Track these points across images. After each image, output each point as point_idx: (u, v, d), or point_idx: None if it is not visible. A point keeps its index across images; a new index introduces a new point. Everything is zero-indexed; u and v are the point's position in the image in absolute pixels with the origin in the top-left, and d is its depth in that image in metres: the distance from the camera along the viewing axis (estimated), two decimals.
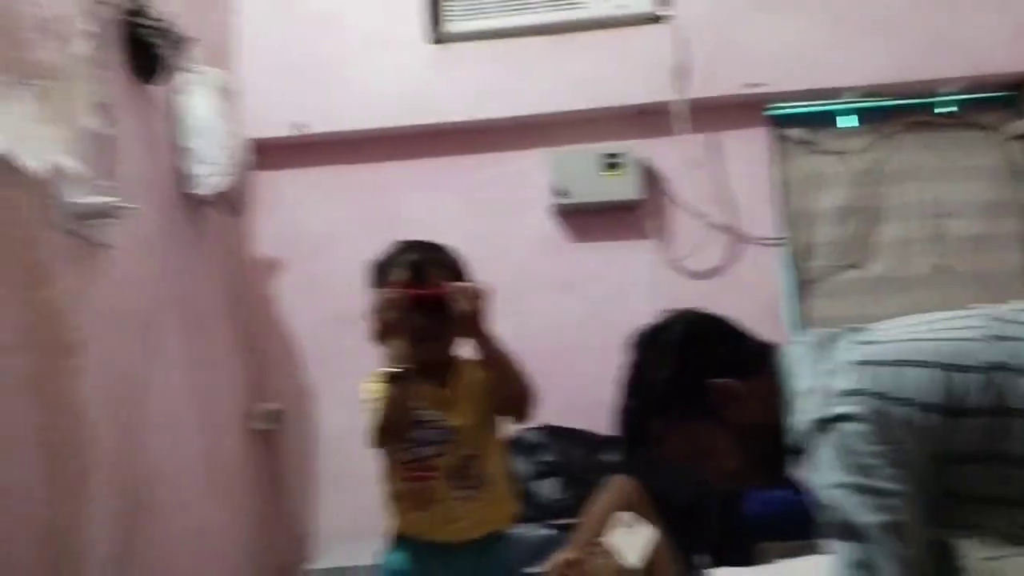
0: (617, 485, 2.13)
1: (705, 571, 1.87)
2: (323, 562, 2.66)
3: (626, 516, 1.81)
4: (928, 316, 1.22)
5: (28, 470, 1.49)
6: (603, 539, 1.74)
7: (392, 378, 1.65)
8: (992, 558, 1.64)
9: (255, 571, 2.62)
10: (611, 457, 2.51)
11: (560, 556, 1.79)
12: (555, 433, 2.55)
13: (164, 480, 2.07)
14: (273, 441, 2.85)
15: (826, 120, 2.96)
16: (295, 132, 2.91)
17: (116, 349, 1.87)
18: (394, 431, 1.66)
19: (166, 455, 2.09)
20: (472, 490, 1.71)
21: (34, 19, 1.65)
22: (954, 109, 2.94)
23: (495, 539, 1.76)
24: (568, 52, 2.89)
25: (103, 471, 1.75)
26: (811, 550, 2.33)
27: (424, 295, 1.68)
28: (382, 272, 1.76)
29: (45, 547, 1.52)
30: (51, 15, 1.71)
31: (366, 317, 1.72)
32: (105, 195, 1.83)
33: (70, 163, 1.61)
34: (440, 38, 2.96)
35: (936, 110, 2.94)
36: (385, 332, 1.68)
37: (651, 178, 2.90)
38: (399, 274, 1.72)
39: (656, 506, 2.11)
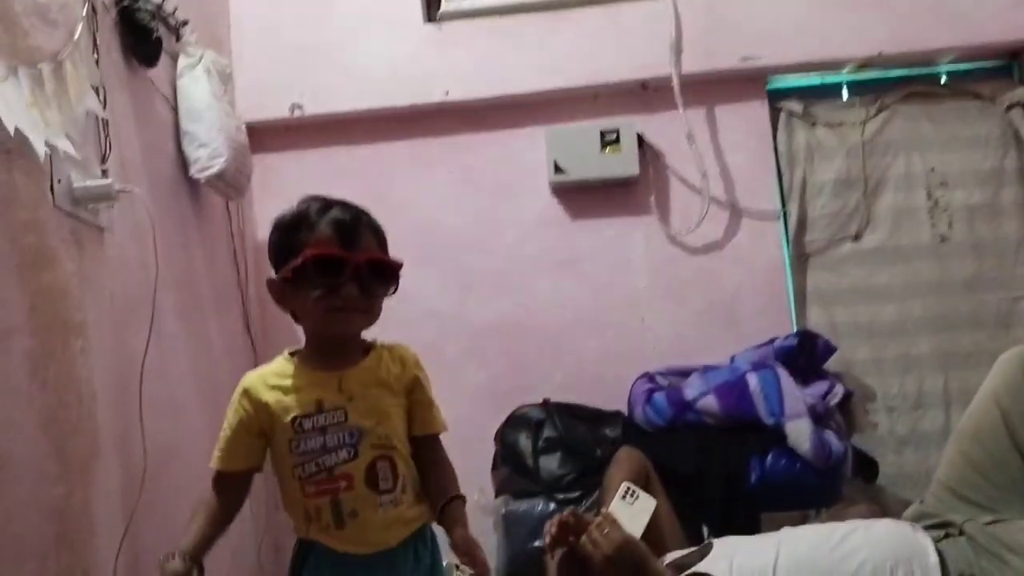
0: (625, 456, 2.15)
1: (709, 539, 1.88)
2: None
3: (626, 486, 1.82)
4: None
5: (34, 450, 1.51)
6: (604, 510, 1.75)
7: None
8: (991, 523, 1.65)
9: (258, 549, 2.65)
10: (613, 432, 2.52)
11: (561, 515, 1.79)
12: (557, 409, 2.57)
13: (169, 460, 2.09)
14: None
15: (824, 92, 2.96)
16: (294, 114, 2.91)
17: (118, 331, 1.88)
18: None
19: (169, 436, 2.11)
20: (391, 494, 1.45)
21: (31, 4, 1.65)
22: (952, 79, 2.93)
23: (420, 536, 1.52)
24: (564, 28, 2.89)
25: (108, 452, 1.76)
26: (814, 519, 2.37)
27: (363, 260, 1.45)
28: (296, 232, 1.47)
29: (54, 526, 1.54)
30: (47, 0, 1.71)
31: (274, 288, 1.52)
32: (104, 178, 1.84)
33: (69, 147, 1.61)
34: (436, 17, 2.95)
35: (934, 80, 2.93)
36: (302, 304, 1.48)
37: (650, 154, 2.90)
38: (325, 235, 1.45)
39: (660, 476, 2.13)
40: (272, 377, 1.50)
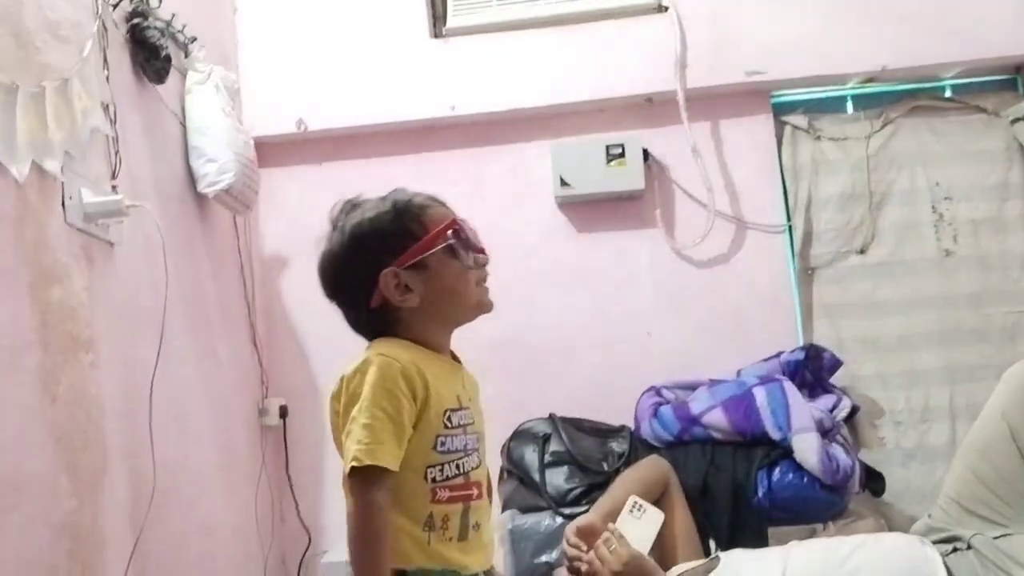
0: (646, 463, 2.15)
1: (716, 553, 1.88)
2: (332, 555, 2.69)
3: (633, 500, 1.82)
4: None
5: (45, 465, 1.52)
6: (611, 525, 1.75)
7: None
8: (999, 537, 1.65)
9: (265, 563, 2.65)
10: (619, 446, 2.52)
11: (576, 521, 1.80)
12: (563, 423, 2.56)
13: (178, 474, 2.09)
14: (282, 436, 2.87)
15: (829, 106, 2.96)
16: (300, 129, 2.93)
17: (127, 346, 1.89)
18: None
19: (177, 450, 2.12)
20: (491, 510, 1.38)
21: (42, 21, 1.67)
22: (957, 93, 2.94)
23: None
24: (570, 44, 2.90)
25: (117, 466, 1.77)
26: (822, 533, 2.36)
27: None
28: (406, 216, 1.36)
29: (64, 540, 1.54)
30: (59, 17, 1.73)
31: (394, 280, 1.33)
32: (114, 194, 1.86)
33: (78, 163, 1.62)
34: (442, 32, 2.97)
35: (939, 94, 2.94)
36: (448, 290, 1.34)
37: (655, 168, 2.90)
38: (444, 209, 1.38)
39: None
40: (415, 357, 1.29)
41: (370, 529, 1.21)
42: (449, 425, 1.29)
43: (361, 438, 1.21)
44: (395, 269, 1.32)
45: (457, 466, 1.29)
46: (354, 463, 1.21)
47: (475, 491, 1.31)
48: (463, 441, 1.31)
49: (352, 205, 1.41)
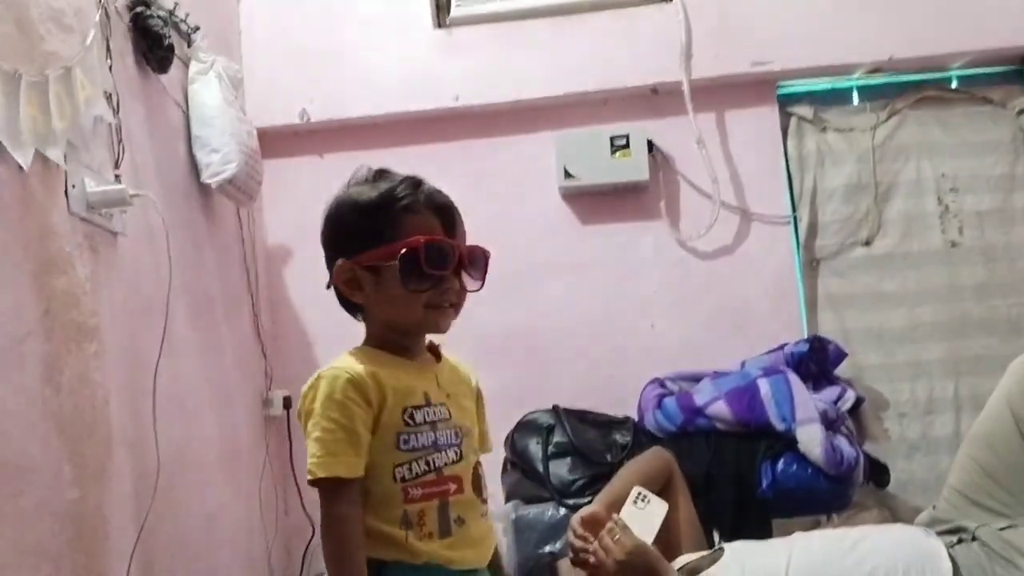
0: (650, 454, 2.15)
1: (720, 545, 1.88)
2: None
3: (637, 491, 1.82)
4: None
5: (49, 454, 1.51)
6: (616, 515, 1.75)
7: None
8: (1004, 528, 1.65)
9: (269, 553, 2.65)
10: (623, 437, 2.52)
11: (582, 511, 1.80)
12: (567, 414, 2.56)
13: (182, 463, 2.09)
14: (285, 427, 2.87)
15: (835, 97, 2.95)
16: (304, 119, 2.92)
17: (131, 335, 1.89)
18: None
19: (181, 440, 2.12)
20: (486, 505, 1.37)
21: (46, 9, 1.66)
22: (963, 84, 2.92)
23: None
24: (574, 34, 2.89)
25: (121, 455, 1.77)
26: (825, 524, 2.36)
27: (466, 251, 1.34)
28: (385, 212, 1.31)
29: (68, 529, 1.54)
30: (62, 5, 1.72)
31: (345, 275, 1.32)
32: (117, 183, 1.85)
33: (81, 152, 1.62)
34: (445, 22, 2.96)
35: (945, 85, 2.93)
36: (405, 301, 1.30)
37: (659, 159, 2.90)
38: (427, 219, 1.31)
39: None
40: (367, 363, 1.28)
41: (339, 540, 1.22)
42: (411, 423, 1.28)
43: (315, 452, 1.22)
44: (350, 263, 1.32)
45: (427, 463, 1.27)
46: (309, 477, 1.22)
47: (452, 486, 1.29)
48: (430, 437, 1.29)
49: (367, 176, 1.39)
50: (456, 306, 1.34)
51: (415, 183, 1.35)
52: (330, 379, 1.25)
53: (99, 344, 1.71)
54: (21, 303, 1.49)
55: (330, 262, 1.36)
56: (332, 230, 1.36)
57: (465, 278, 1.34)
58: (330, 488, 1.22)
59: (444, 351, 1.45)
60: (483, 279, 1.38)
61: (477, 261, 1.36)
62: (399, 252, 1.27)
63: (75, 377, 1.61)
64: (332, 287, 1.36)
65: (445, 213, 1.34)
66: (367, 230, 1.31)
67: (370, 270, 1.30)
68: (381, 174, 1.38)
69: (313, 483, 1.23)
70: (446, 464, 1.29)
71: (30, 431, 1.47)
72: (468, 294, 1.37)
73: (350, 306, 1.38)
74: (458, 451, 1.32)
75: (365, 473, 1.24)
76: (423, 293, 1.29)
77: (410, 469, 1.26)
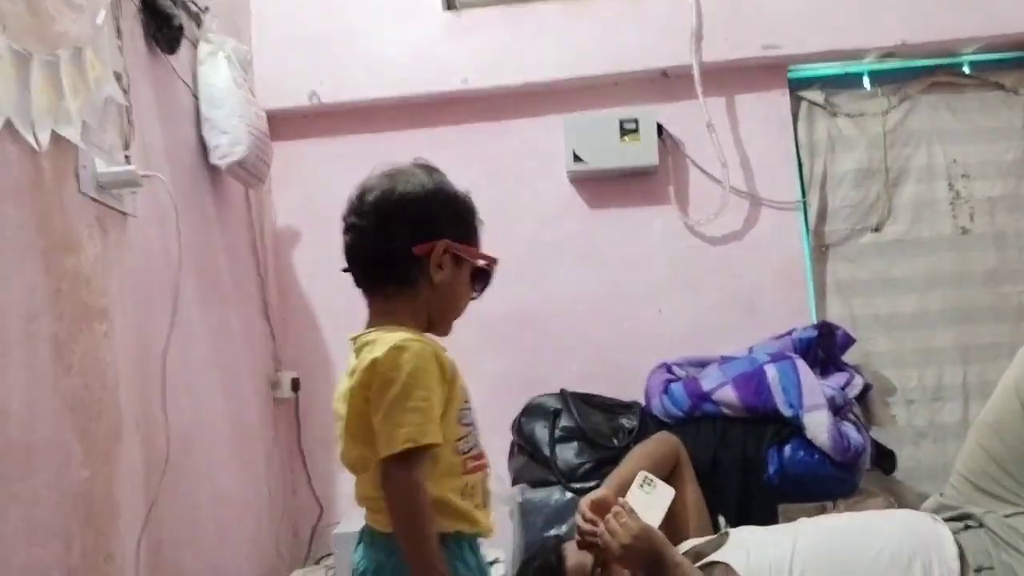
0: (657, 438, 2.15)
1: (726, 529, 1.88)
2: (344, 526, 2.70)
3: (643, 475, 1.82)
4: None
5: (59, 433, 1.52)
6: (622, 499, 1.75)
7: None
8: (1011, 515, 1.65)
9: (277, 534, 2.67)
10: (629, 422, 2.52)
11: (590, 495, 1.81)
12: (573, 398, 2.57)
13: (191, 444, 2.11)
14: (294, 409, 2.89)
15: (846, 82, 2.93)
16: (312, 102, 2.92)
17: (140, 316, 1.89)
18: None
19: (190, 421, 2.13)
20: None
21: None
22: (975, 69, 2.90)
23: None
24: (584, 16, 2.87)
25: (131, 435, 1.78)
26: (831, 510, 2.37)
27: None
28: (471, 218, 1.49)
29: (78, 508, 1.55)
30: None
31: (443, 255, 1.41)
32: (128, 164, 1.86)
33: (75, 135, 1.62)
34: (454, 4, 2.95)
35: (957, 71, 2.91)
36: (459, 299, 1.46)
37: (669, 143, 2.89)
38: (481, 235, 1.50)
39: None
40: (432, 340, 1.40)
41: (419, 505, 1.26)
42: (466, 398, 1.40)
43: (414, 420, 1.26)
44: (449, 243, 1.41)
45: (474, 438, 1.39)
46: (410, 444, 1.25)
47: (486, 459, 1.42)
48: (472, 416, 1.41)
49: (430, 169, 1.50)
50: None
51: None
52: (418, 351, 1.31)
53: (109, 324, 1.72)
54: (32, 283, 1.50)
55: (413, 233, 1.39)
56: (440, 208, 1.43)
57: None
58: (417, 456, 1.26)
59: None
60: None
61: None
62: (484, 259, 1.46)
63: (85, 357, 1.62)
64: (386, 255, 1.40)
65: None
66: (465, 224, 1.46)
67: (455, 260, 1.42)
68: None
69: (405, 452, 1.25)
70: (478, 442, 1.41)
71: (40, 411, 1.48)
72: None
73: (393, 279, 1.41)
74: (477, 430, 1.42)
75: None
76: (470, 300, 1.47)
77: (466, 442, 1.37)
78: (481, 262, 1.46)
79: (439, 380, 1.31)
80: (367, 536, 1.40)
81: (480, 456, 1.40)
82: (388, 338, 1.32)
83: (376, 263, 1.41)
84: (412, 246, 1.39)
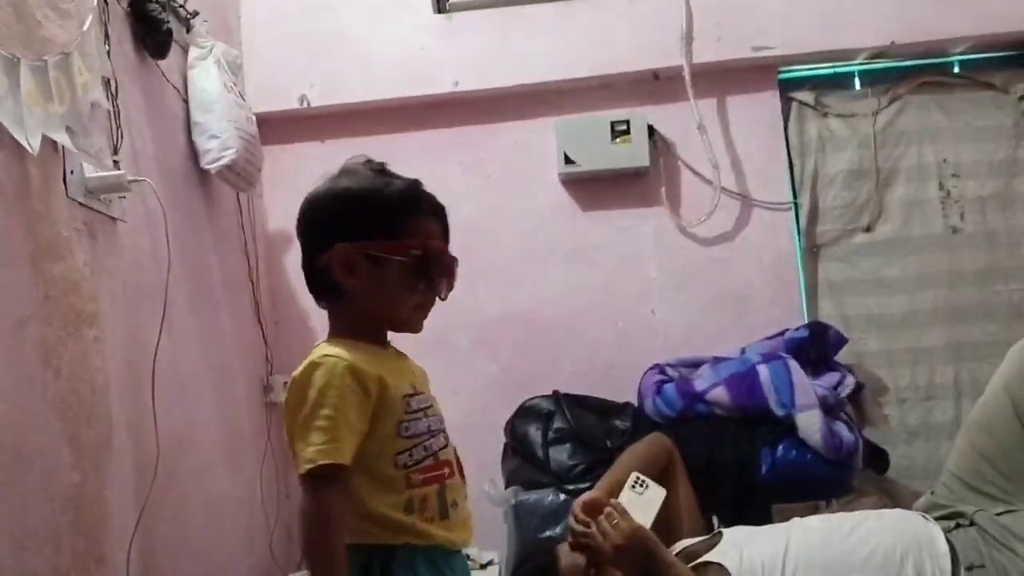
0: (650, 439, 2.15)
1: (719, 529, 1.88)
2: None
3: (635, 476, 1.82)
4: None
5: (48, 438, 1.52)
6: (614, 500, 1.75)
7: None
8: (1002, 513, 1.65)
9: (270, 539, 2.66)
10: (623, 423, 2.52)
11: (583, 497, 1.81)
12: (567, 400, 2.57)
13: (182, 449, 2.10)
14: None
15: (836, 82, 2.94)
16: (303, 105, 2.92)
17: (130, 321, 1.89)
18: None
19: (182, 426, 2.12)
20: (465, 488, 1.40)
21: None
22: (965, 69, 2.91)
23: None
24: (574, 18, 2.88)
25: (121, 440, 1.77)
26: (824, 510, 2.37)
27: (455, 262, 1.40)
28: (398, 208, 1.34)
29: (68, 513, 1.55)
30: None
31: (345, 259, 1.32)
32: (116, 169, 1.85)
33: (66, 140, 1.61)
34: (445, 7, 2.95)
35: (947, 70, 2.92)
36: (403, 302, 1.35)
37: (660, 144, 2.89)
38: (432, 224, 1.37)
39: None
40: (361, 353, 1.30)
41: (319, 529, 1.21)
42: (409, 410, 1.30)
43: (317, 440, 1.21)
44: (349, 247, 1.32)
45: (425, 448, 1.30)
46: (309, 465, 1.20)
47: (447, 470, 1.33)
48: (426, 424, 1.32)
49: (370, 168, 1.41)
50: (429, 306, 1.39)
51: (416, 184, 1.39)
52: (330, 367, 1.25)
53: (98, 329, 1.71)
54: (20, 288, 1.49)
55: (316, 244, 1.36)
56: (333, 213, 1.36)
57: (448, 287, 1.39)
58: (327, 477, 1.21)
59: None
60: (452, 288, 1.42)
61: (455, 271, 1.41)
62: (410, 250, 1.31)
63: (74, 362, 1.61)
64: (309, 269, 1.37)
65: (443, 220, 1.39)
66: (378, 220, 1.33)
67: (371, 259, 1.32)
68: (386, 169, 1.40)
69: (309, 473, 1.21)
70: (440, 449, 1.33)
71: (30, 416, 1.47)
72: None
73: (324, 292, 1.38)
74: (444, 436, 1.36)
75: (367, 461, 1.25)
76: (418, 295, 1.34)
77: (411, 455, 1.28)
78: (408, 256, 1.31)
79: (357, 395, 1.24)
80: None
81: (437, 467, 1.31)
82: (313, 354, 1.29)
83: (307, 279, 1.39)
84: (315, 264, 1.35)
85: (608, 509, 1.72)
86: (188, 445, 2.15)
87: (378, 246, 1.32)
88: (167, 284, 2.01)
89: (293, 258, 2.95)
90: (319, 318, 2.87)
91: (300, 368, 1.28)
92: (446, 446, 1.35)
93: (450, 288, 1.40)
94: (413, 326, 1.38)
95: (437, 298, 1.39)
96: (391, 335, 1.42)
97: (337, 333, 1.37)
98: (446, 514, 1.30)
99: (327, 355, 1.27)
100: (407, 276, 1.32)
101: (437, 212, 1.39)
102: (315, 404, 1.23)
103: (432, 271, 1.34)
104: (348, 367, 1.25)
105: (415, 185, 1.38)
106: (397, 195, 1.35)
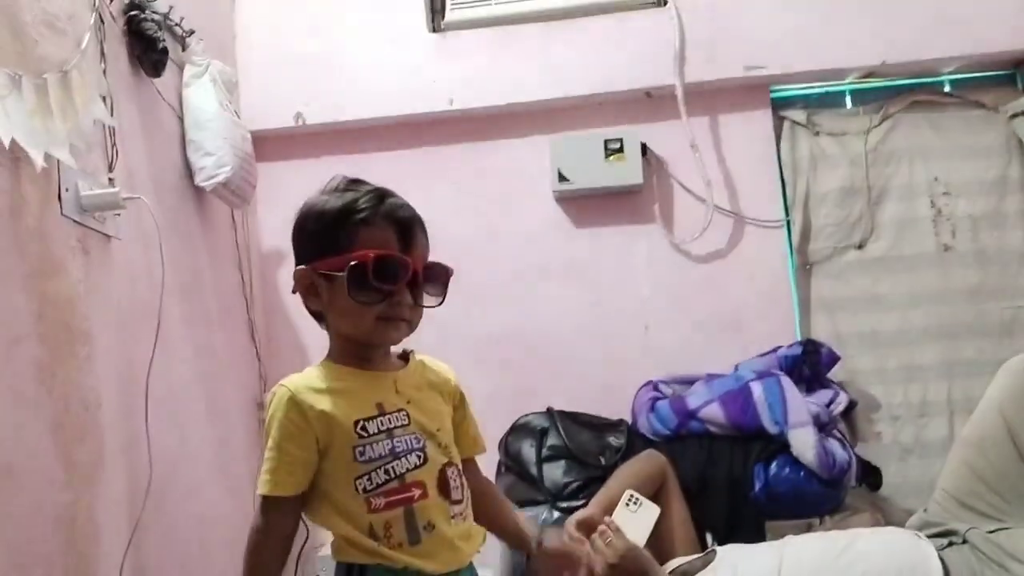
0: (644, 456, 2.15)
1: (713, 547, 1.88)
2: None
3: (629, 494, 1.82)
4: None
5: (41, 457, 1.52)
6: (608, 518, 1.75)
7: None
8: (994, 531, 1.65)
9: None
10: (617, 440, 2.52)
11: (576, 515, 1.81)
12: (560, 417, 2.56)
13: (174, 467, 2.10)
14: None
15: (828, 101, 2.96)
16: (298, 123, 2.93)
17: (123, 339, 1.89)
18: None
19: (174, 444, 2.12)
20: (461, 505, 1.35)
21: (39, 13, 1.67)
22: (955, 88, 2.93)
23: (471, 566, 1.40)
24: (568, 38, 2.90)
25: (114, 459, 1.77)
26: (818, 527, 2.37)
27: (421, 267, 1.33)
28: (343, 222, 1.31)
29: (60, 532, 1.54)
30: (56, 10, 1.73)
31: (305, 281, 1.34)
32: (111, 187, 1.86)
33: (68, 157, 1.62)
34: (440, 26, 2.97)
35: (938, 89, 2.94)
36: (344, 311, 1.31)
37: (654, 162, 2.90)
38: (383, 233, 1.31)
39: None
40: (317, 380, 1.32)
41: (254, 553, 1.29)
42: (365, 434, 1.28)
43: (263, 468, 1.28)
44: (307, 269, 1.34)
45: (387, 471, 1.28)
46: (258, 491, 1.29)
47: (416, 492, 1.29)
48: (387, 446, 1.29)
49: (337, 185, 1.40)
50: (409, 321, 1.34)
51: (379, 195, 1.35)
52: (278, 397, 1.29)
53: (91, 347, 1.71)
54: (14, 306, 1.49)
55: (296, 266, 1.38)
56: (295, 235, 1.39)
57: (421, 294, 1.34)
58: (269, 501, 1.28)
59: (423, 354, 1.45)
60: (443, 295, 1.39)
61: (436, 277, 1.37)
62: (348, 263, 1.28)
63: (67, 380, 1.61)
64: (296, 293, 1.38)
65: (404, 227, 1.33)
66: (325, 238, 1.32)
67: (326, 278, 1.31)
68: (351, 184, 1.39)
69: (261, 495, 1.29)
70: (408, 470, 1.29)
71: (23, 434, 1.47)
72: (440, 306, 1.39)
73: (314, 313, 1.39)
74: (421, 455, 1.31)
75: (327, 486, 1.29)
76: (373, 306, 1.30)
77: (370, 479, 1.27)
78: (344, 269, 1.27)
79: (296, 426, 1.26)
80: None
81: (403, 489, 1.28)
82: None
83: None
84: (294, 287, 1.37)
85: (602, 527, 1.72)
86: (180, 463, 2.15)
87: (324, 264, 1.31)
88: (161, 301, 2.01)
89: (286, 274, 2.95)
90: (312, 335, 2.87)
91: (271, 390, 1.33)
92: (421, 465, 1.31)
93: (434, 294, 1.37)
94: (381, 338, 1.34)
95: (423, 307, 1.35)
96: (411, 343, 1.41)
97: (329, 354, 1.39)
98: (417, 539, 1.28)
99: (283, 384, 1.31)
100: (352, 290, 1.28)
101: (393, 219, 1.33)
102: (266, 433, 1.30)
103: (375, 280, 1.28)
104: (290, 399, 1.28)
105: (361, 196, 1.34)
106: (336, 209, 1.33)
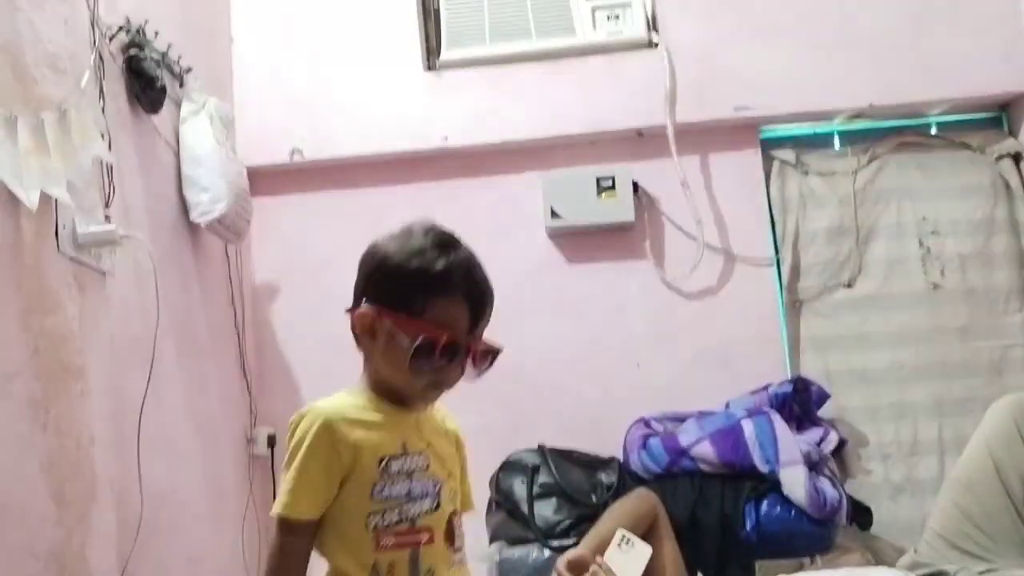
0: (635, 496, 2.15)
1: None
2: None
3: (621, 534, 1.82)
4: None
5: (33, 493, 1.51)
6: (600, 558, 1.75)
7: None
8: (984, 572, 1.66)
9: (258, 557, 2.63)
10: (608, 478, 2.52)
11: (567, 554, 1.81)
12: (552, 454, 2.56)
13: (165, 503, 2.09)
14: (269, 465, 2.86)
15: (816, 142, 3.00)
16: (294, 159, 2.95)
17: (117, 374, 1.89)
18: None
19: (165, 479, 2.11)
20: (460, 553, 1.36)
21: (41, 54, 1.69)
22: (942, 130, 2.98)
23: None
24: (561, 78, 2.94)
25: (105, 495, 1.77)
26: (809, 566, 2.36)
27: (479, 350, 1.35)
28: (423, 279, 1.29)
29: (51, 569, 1.54)
30: (57, 49, 1.75)
31: (366, 322, 1.32)
32: (107, 224, 1.87)
33: (64, 195, 1.63)
34: (435, 65, 3.01)
35: (925, 131, 2.98)
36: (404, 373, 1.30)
37: (645, 200, 2.93)
38: (457, 309, 1.31)
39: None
40: (351, 411, 1.30)
41: (277, 567, 1.27)
42: (387, 472, 1.28)
43: (284, 489, 1.26)
44: (375, 310, 1.31)
45: (400, 512, 1.28)
46: (276, 511, 1.26)
47: (424, 536, 1.30)
48: (405, 487, 1.29)
49: (427, 235, 1.35)
50: (450, 387, 1.35)
51: (468, 265, 1.34)
52: (310, 420, 1.27)
53: (85, 383, 1.72)
54: (10, 342, 1.50)
55: (355, 293, 1.35)
56: (371, 269, 1.34)
57: (469, 367, 1.34)
58: (288, 524, 1.26)
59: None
60: (483, 373, 1.38)
61: (486, 358, 1.37)
62: (418, 336, 1.27)
63: (61, 417, 1.61)
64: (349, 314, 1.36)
65: (478, 305, 1.33)
66: (401, 292, 1.30)
67: (389, 330, 1.30)
68: (443, 242, 1.34)
69: (278, 516, 1.26)
70: (419, 515, 1.30)
71: (15, 470, 1.47)
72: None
73: (356, 339, 1.37)
74: (435, 500, 1.32)
75: (339, 517, 1.27)
76: (424, 376, 1.30)
77: (383, 517, 1.27)
78: (407, 339, 1.27)
79: (326, 453, 1.25)
80: None
81: (412, 532, 1.28)
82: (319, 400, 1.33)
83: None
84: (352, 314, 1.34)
85: (593, 567, 1.72)
86: (171, 500, 2.14)
87: (394, 318, 1.29)
88: (155, 337, 2.01)
89: (279, 309, 2.99)
90: (304, 369, 2.92)
91: (296, 413, 1.30)
92: (433, 510, 1.31)
93: (478, 371, 1.36)
94: (423, 398, 1.36)
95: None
96: None
97: (362, 382, 1.37)
98: None
99: (316, 406, 1.29)
100: (414, 361, 1.27)
101: (471, 296, 1.32)
102: (291, 455, 1.27)
103: (436, 360, 1.28)
104: (324, 425, 1.26)
105: (452, 266, 1.31)
106: (422, 272, 1.29)
